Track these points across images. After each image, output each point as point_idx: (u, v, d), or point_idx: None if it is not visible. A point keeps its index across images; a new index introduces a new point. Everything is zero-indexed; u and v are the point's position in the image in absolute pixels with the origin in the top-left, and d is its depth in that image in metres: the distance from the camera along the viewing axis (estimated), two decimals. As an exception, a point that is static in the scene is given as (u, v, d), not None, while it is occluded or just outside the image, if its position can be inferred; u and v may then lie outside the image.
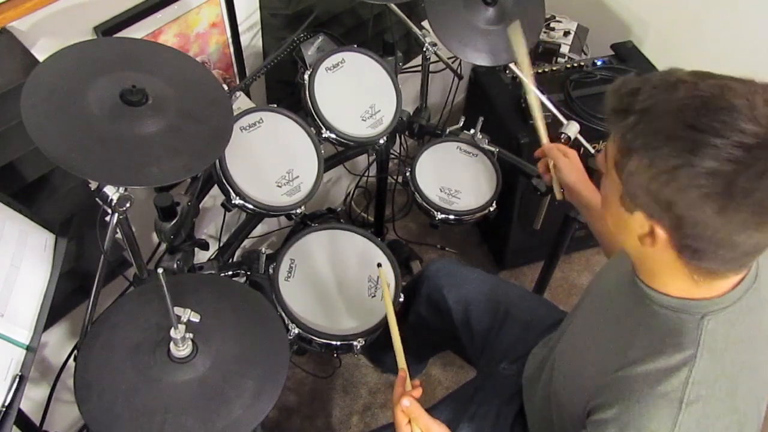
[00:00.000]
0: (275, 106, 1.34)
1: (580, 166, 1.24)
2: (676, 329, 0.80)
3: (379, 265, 1.23)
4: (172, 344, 0.95)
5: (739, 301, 0.81)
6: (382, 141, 1.44)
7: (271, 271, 1.28)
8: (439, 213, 1.44)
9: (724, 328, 0.80)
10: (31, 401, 1.30)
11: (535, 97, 1.31)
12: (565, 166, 1.23)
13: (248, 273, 1.37)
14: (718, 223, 0.69)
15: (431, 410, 1.21)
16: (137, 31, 1.19)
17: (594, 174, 1.25)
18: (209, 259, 1.40)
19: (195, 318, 0.95)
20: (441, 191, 1.47)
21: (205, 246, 1.36)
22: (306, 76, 1.35)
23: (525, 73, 1.31)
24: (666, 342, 0.80)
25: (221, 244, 1.50)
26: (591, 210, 1.20)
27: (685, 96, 0.70)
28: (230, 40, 1.42)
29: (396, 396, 0.98)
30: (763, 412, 0.87)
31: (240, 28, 1.42)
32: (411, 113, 1.65)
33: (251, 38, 1.49)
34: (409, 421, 0.96)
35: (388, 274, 1.31)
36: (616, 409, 0.81)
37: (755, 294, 0.82)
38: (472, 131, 1.56)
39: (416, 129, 1.64)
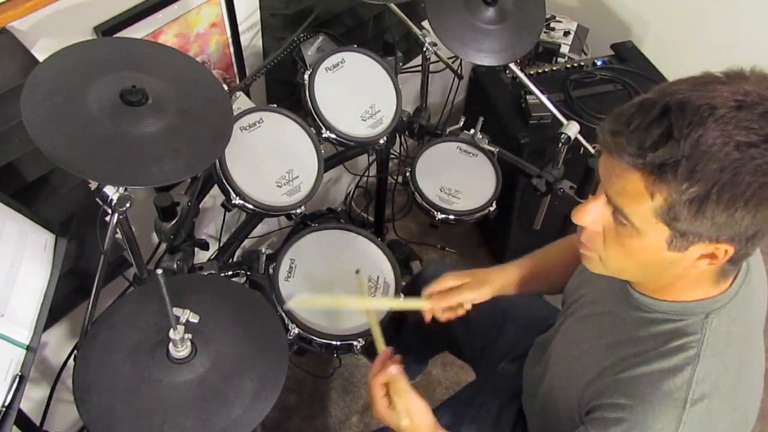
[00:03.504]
0: (275, 106, 1.34)
1: (470, 279, 1.14)
2: (680, 331, 0.80)
3: (357, 271, 1.18)
4: (171, 345, 0.95)
5: (737, 295, 0.81)
6: (382, 141, 1.44)
7: (271, 271, 1.28)
8: (439, 213, 1.44)
9: (726, 324, 0.80)
10: (31, 401, 1.30)
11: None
12: (471, 293, 1.12)
13: (248, 273, 1.37)
14: None
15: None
16: (137, 31, 1.19)
17: (592, 174, 1.24)
18: (209, 259, 1.40)
19: (194, 319, 0.94)
20: (441, 191, 1.47)
21: (205, 246, 1.36)
22: (306, 76, 1.35)
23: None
24: (670, 344, 0.80)
25: (221, 244, 1.50)
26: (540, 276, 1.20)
27: (715, 122, 0.64)
28: (230, 40, 1.42)
29: (375, 369, 0.93)
30: (758, 406, 0.87)
31: (240, 28, 1.41)
32: (411, 113, 1.65)
33: (251, 38, 1.49)
34: (387, 393, 0.93)
35: (387, 275, 1.32)
36: (621, 408, 0.80)
37: (748, 286, 0.83)
38: (472, 131, 1.56)
39: (416, 129, 1.64)
